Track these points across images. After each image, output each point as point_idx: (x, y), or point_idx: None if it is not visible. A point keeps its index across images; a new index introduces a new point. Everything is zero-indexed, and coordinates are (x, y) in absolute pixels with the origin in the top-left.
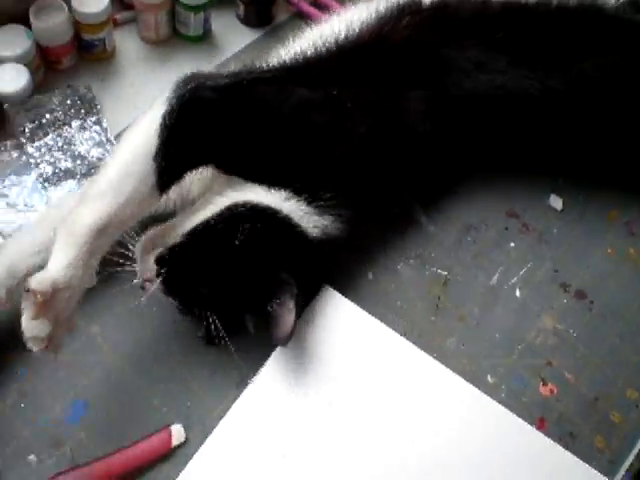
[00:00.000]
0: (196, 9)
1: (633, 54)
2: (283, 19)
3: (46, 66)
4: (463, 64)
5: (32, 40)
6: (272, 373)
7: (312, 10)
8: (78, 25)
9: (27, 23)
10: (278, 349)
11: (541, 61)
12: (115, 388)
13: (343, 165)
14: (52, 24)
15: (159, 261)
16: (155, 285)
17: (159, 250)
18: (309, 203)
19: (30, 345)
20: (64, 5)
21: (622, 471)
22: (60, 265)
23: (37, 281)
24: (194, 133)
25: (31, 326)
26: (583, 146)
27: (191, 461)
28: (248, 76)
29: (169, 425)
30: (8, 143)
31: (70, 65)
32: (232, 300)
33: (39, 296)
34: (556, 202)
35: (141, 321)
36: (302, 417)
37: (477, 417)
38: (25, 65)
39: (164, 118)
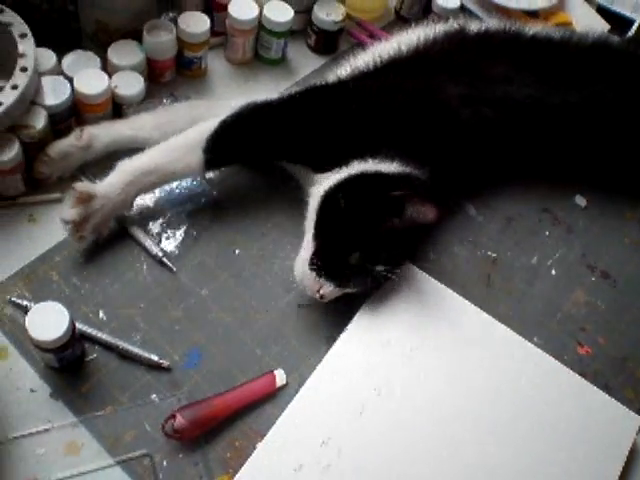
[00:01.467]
0: (279, 35)
1: (633, 79)
2: (345, 48)
3: (150, 78)
4: (494, 76)
5: (144, 54)
6: (357, 330)
7: (370, 42)
8: (182, 43)
9: (139, 39)
10: (361, 310)
11: (561, 80)
12: (223, 340)
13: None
14: (161, 41)
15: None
16: (331, 289)
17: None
18: None
19: (62, 226)
20: (172, 25)
21: None
22: (105, 182)
23: (82, 184)
24: (241, 134)
25: (66, 211)
26: (600, 154)
27: (292, 401)
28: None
29: (272, 370)
30: None
31: (170, 79)
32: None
33: (79, 193)
34: (580, 201)
35: (245, 286)
36: (385, 365)
37: (533, 370)
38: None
39: (221, 125)
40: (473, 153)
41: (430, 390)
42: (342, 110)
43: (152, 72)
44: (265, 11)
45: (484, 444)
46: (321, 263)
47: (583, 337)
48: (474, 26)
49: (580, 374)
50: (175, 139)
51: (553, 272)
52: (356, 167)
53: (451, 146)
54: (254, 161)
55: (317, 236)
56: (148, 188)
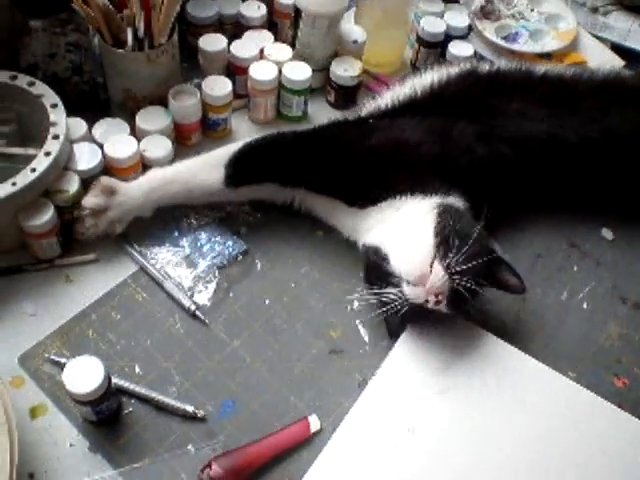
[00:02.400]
0: (299, 93)
1: None
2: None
3: (178, 141)
4: (508, 112)
5: (171, 118)
6: (388, 372)
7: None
8: (207, 106)
9: (165, 105)
10: (392, 353)
11: (575, 115)
12: (257, 389)
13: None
14: (186, 105)
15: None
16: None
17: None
18: None
19: (81, 212)
20: (196, 90)
21: None
22: (130, 183)
23: (109, 178)
24: (262, 155)
25: (87, 198)
26: (623, 186)
27: (326, 446)
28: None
29: (306, 416)
30: None
31: (197, 141)
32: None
33: (103, 185)
34: (607, 234)
35: (276, 335)
36: (418, 405)
37: (572, 407)
38: None
39: (245, 146)
40: (494, 190)
41: (464, 430)
42: (360, 144)
43: (179, 135)
44: (284, 71)
45: None
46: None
47: (619, 369)
48: (485, 66)
49: (618, 406)
50: (202, 155)
51: (584, 306)
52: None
53: (471, 183)
54: (273, 182)
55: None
56: (170, 198)
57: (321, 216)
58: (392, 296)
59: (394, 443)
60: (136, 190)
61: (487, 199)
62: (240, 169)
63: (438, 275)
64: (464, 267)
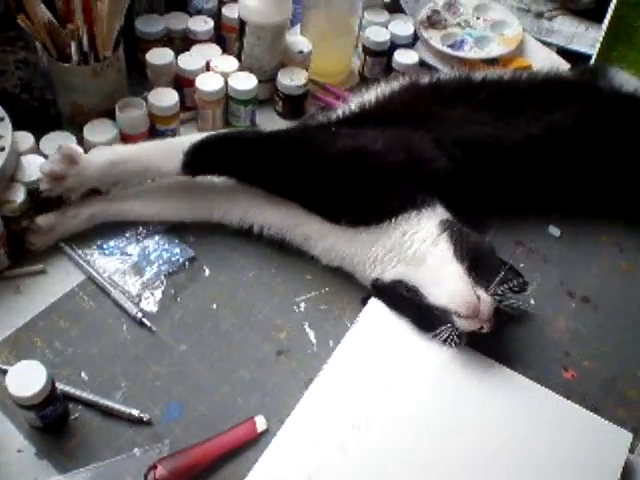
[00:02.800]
0: (245, 103)
1: (589, 106)
2: (312, 111)
3: None
4: (453, 118)
5: (117, 130)
6: (334, 370)
7: (336, 102)
8: (154, 118)
9: (113, 117)
10: (337, 350)
11: (517, 115)
12: (204, 392)
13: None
14: (133, 117)
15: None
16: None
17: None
18: None
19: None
20: (143, 102)
21: None
22: (91, 154)
23: (69, 147)
24: (222, 148)
25: (46, 163)
26: (568, 182)
27: (270, 444)
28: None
29: (253, 417)
30: None
31: None
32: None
33: (64, 154)
34: (554, 230)
35: (224, 339)
36: (363, 401)
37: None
38: None
39: (208, 138)
40: (455, 195)
41: (411, 424)
42: (324, 148)
43: None
44: (230, 82)
45: (475, 475)
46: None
47: (567, 362)
48: (426, 78)
49: (566, 398)
50: (166, 140)
51: (532, 301)
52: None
53: (440, 191)
54: (231, 176)
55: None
56: (127, 175)
57: (295, 238)
58: (446, 334)
59: (339, 439)
60: (96, 162)
61: (452, 205)
62: (199, 157)
63: (487, 302)
64: (497, 284)
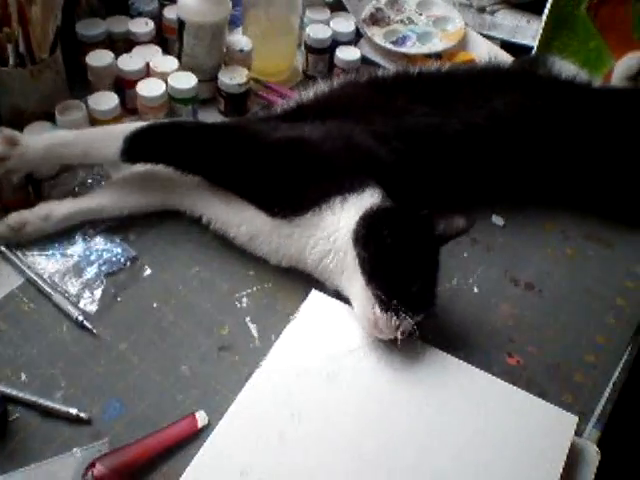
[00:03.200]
0: (186, 102)
1: (529, 93)
2: (255, 110)
3: None
4: (394, 111)
5: None
6: (273, 363)
7: (279, 100)
8: (94, 121)
9: (53, 120)
10: (275, 345)
11: (457, 104)
12: (144, 389)
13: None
14: (72, 119)
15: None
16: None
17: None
18: None
19: None
20: (82, 104)
21: (593, 420)
22: (33, 138)
23: (10, 130)
24: (163, 137)
25: None
26: (511, 171)
27: (209, 437)
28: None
29: (193, 412)
30: None
31: None
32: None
33: (4, 136)
34: (498, 220)
35: (165, 336)
36: (302, 392)
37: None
38: None
39: (148, 126)
40: (398, 187)
41: (351, 412)
42: (262, 138)
43: None
44: (170, 81)
45: (419, 464)
46: (391, 301)
47: (512, 348)
48: (364, 75)
49: (512, 384)
50: (108, 126)
51: (475, 290)
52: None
53: (381, 183)
54: (169, 165)
55: (372, 279)
56: (68, 158)
57: (240, 237)
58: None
59: (278, 430)
60: (37, 144)
61: (395, 196)
62: (138, 144)
63: (383, 320)
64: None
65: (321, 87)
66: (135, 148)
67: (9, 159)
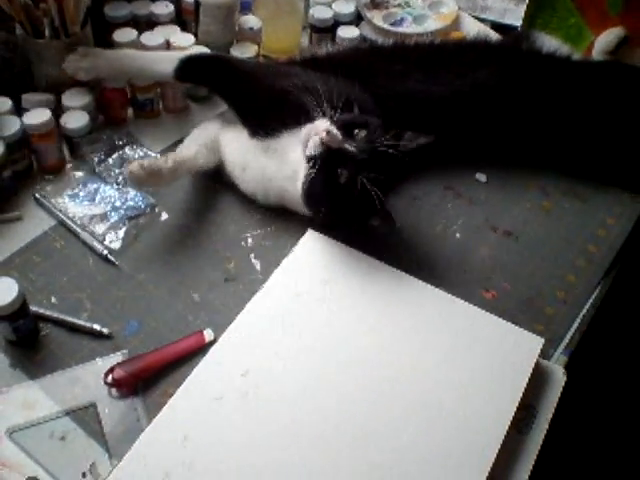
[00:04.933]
0: None
1: (511, 64)
2: None
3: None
4: (391, 74)
5: (91, 96)
6: (273, 287)
7: None
8: (134, 89)
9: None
10: (275, 273)
11: (447, 72)
12: (159, 311)
13: None
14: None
15: None
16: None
17: None
18: None
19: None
20: None
21: (561, 347)
22: (102, 50)
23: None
24: (206, 64)
25: (69, 57)
26: (494, 133)
27: (213, 346)
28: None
29: (202, 329)
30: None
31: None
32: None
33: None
34: (481, 177)
35: (178, 269)
36: (298, 312)
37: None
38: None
39: (196, 55)
40: None
41: (342, 335)
42: (268, 79)
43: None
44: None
45: (394, 380)
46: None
47: (489, 284)
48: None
49: None
50: (165, 52)
51: (458, 236)
52: None
53: None
54: (207, 85)
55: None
56: (127, 72)
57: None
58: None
59: (274, 341)
60: (105, 54)
61: None
62: (189, 66)
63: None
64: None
65: (328, 50)
66: (186, 69)
67: (82, 62)
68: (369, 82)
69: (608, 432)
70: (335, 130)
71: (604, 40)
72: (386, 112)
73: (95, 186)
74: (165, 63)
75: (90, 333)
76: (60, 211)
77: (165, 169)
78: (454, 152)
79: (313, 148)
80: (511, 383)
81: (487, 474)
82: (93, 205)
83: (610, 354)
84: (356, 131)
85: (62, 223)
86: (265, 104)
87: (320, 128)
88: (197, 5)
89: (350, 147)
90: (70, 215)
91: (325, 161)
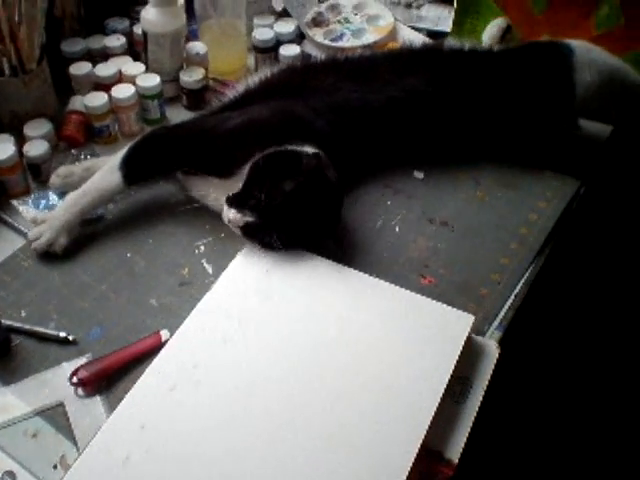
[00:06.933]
0: (152, 97)
1: (436, 65)
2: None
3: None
4: (325, 88)
5: (51, 125)
6: (214, 295)
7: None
8: (91, 117)
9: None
10: (222, 276)
11: (378, 81)
12: (120, 316)
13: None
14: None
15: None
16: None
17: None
18: None
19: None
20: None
21: (495, 324)
22: (52, 211)
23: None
24: (146, 150)
25: (30, 233)
26: (429, 134)
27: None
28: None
29: (159, 330)
30: None
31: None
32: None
33: (32, 219)
34: (418, 174)
35: (137, 278)
36: (244, 309)
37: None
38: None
39: (129, 148)
40: (336, 153)
41: (286, 326)
42: (219, 127)
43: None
44: (138, 82)
45: (335, 364)
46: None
47: (426, 271)
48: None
49: None
50: (99, 170)
51: (397, 230)
52: None
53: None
54: (159, 172)
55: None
56: (88, 207)
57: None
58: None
59: (222, 336)
60: (59, 212)
61: (332, 159)
62: (131, 167)
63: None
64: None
65: (264, 74)
66: (131, 173)
67: (45, 233)
68: (307, 98)
69: (541, 401)
70: (231, 215)
71: (489, 32)
72: (328, 124)
73: (55, 198)
74: (108, 177)
75: (57, 340)
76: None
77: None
78: (393, 153)
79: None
80: (443, 357)
81: (422, 439)
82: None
83: (543, 327)
84: (257, 195)
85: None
86: (222, 150)
87: (225, 220)
88: (145, 35)
89: (251, 218)
90: None
91: (245, 234)
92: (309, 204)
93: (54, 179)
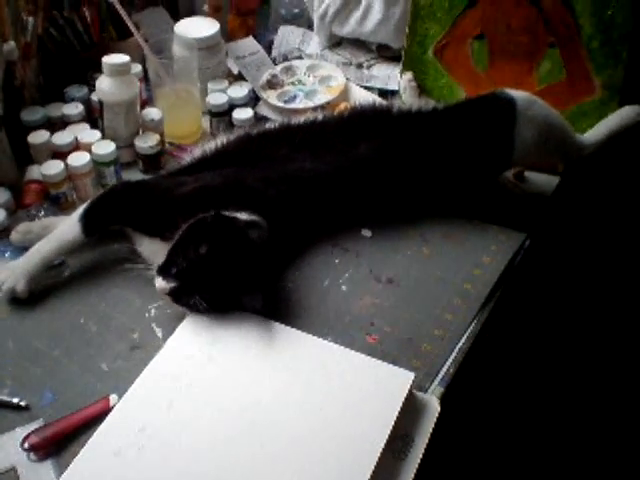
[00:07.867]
0: (108, 164)
1: (384, 130)
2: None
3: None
4: (278, 158)
5: (9, 193)
6: (164, 355)
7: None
8: (48, 185)
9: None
10: (168, 342)
11: (328, 151)
12: (71, 382)
13: None
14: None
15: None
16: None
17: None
18: None
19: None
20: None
21: (437, 379)
22: (12, 262)
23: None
24: (102, 204)
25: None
26: (377, 196)
27: (114, 408)
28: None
29: (108, 395)
30: None
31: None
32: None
33: None
34: (366, 233)
35: (89, 344)
36: (187, 375)
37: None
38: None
39: (90, 202)
40: (281, 218)
41: (231, 388)
42: (173, 192)
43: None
44: (94, 149)
45: (279, 423)
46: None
47: (371, 330)
48: (255, 129)
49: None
50: (63, 222)
51: (344, 288)
52: None
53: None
54: (115, 224)
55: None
56: (49, 255)
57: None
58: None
59: (168, 400)
60: (18, 263)
61: (281, 224)
62: (89, 219)
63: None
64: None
65: (220, 140)
66: (89, 225)
67: (5, 284)
68: (259, 167)
69: (483, 455)
70: (158, 284)
71: (401, 86)
72: (278, 193)
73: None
74: (69, 229)
75: (10, 406)
76: None
77: (35, 227)
78: (341, 214)
79: None
80: (383, 415)
81: None
82: None
83: (487, 381)
84: (178, 261)
85: None
86: (169, 213)
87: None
88: (101, 104)
89: (174, 284)
90: None
91: (174, 301)
92: (226, 265)
93: (14, 235)
